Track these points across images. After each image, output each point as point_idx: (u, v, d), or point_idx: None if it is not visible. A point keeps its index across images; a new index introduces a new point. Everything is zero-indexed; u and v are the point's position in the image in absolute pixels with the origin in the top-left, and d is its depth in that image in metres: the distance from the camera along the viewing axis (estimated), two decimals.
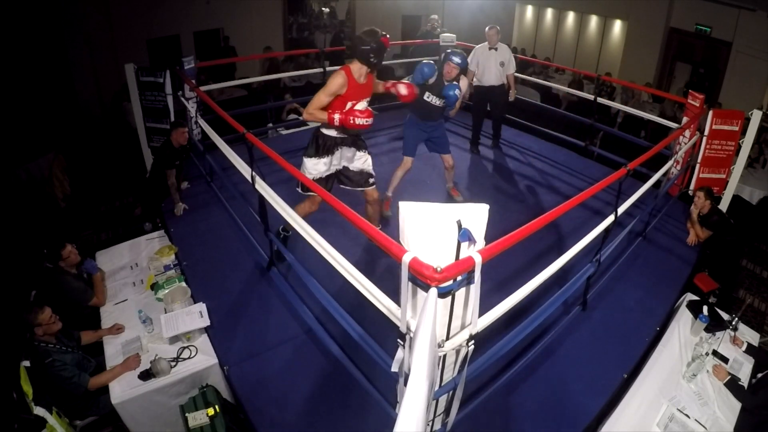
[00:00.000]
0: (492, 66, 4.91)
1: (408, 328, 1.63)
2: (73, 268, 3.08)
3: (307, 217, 2.76)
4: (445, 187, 4.32)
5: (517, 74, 5.30)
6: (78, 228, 4.99)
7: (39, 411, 2.31)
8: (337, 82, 2.76)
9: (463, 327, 1.76)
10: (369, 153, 3.15)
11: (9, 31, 6.27)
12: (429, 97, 3.71)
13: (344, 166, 3.10)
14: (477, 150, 5.32)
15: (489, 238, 1.67)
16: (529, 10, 11.36)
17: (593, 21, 10.13)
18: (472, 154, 5.29)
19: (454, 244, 1.55)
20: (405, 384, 1.60)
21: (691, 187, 4.29)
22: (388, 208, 3.88)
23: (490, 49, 4.89)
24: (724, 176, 4.23)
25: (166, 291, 3.06)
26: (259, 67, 8.70)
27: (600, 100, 5.43)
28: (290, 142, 5.35)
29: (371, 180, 3.17)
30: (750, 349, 2.89)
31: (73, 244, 3.08)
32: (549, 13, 10.99)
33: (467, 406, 2.19)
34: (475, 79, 5.04)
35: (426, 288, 1.47)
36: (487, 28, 4.93)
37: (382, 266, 2.99)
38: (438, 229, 1.54)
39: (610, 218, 2.69)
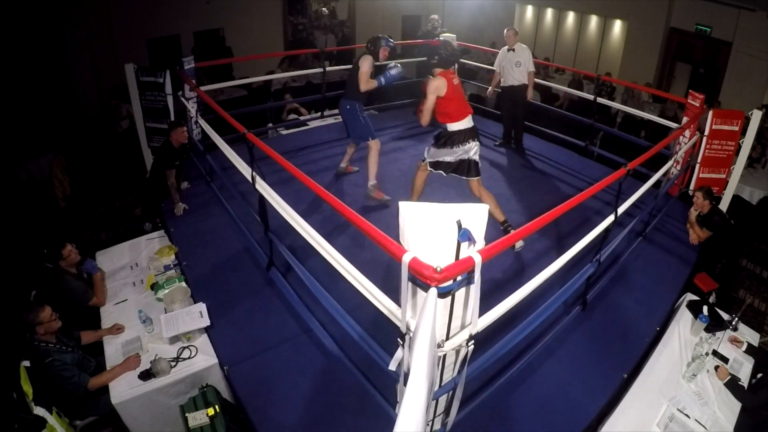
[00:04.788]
0: (509, 67, 5.01)
1: (408, 328, 1.63)
2: (73, 267, 3.08)
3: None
4: (442, 186, 4.31)
5: None
6: (78, 228, 4.99)
7: (39, 411, 2.31)
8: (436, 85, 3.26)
9: (462, 327, 1.76)
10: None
11: (9, 31, 6.27)
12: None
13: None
14: (510, 145, 5.51)
15: (489, 238, 1.67)
16: (529, 10, 11.36)
17: (593, 21, 10.14)
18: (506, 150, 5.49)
19: (454, 244, 1.55)
20: (405, 384, 1.60)
21: (691, 187, 4.29)
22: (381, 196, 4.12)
23: (508, 50, 5.01)
24: (724, 176, 4.23)
25: (166, 291, 3.06)
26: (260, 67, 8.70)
27: (600, 100, 5.43)
28: (290, 142, 5.36)
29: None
30: (750, 349, 2.88)
31: (73, 244, 3.08)
32: (549, 13, 10.99)
33: (467, 406, 2.19)
34: (502, 81, 5.19)
35: (426, 288, 1.47)
36: (505, 30, 5.06)
37: (382, 266, 2.98)
38: (438, 229, 1.54)
39: (610, 218, 2.69)
